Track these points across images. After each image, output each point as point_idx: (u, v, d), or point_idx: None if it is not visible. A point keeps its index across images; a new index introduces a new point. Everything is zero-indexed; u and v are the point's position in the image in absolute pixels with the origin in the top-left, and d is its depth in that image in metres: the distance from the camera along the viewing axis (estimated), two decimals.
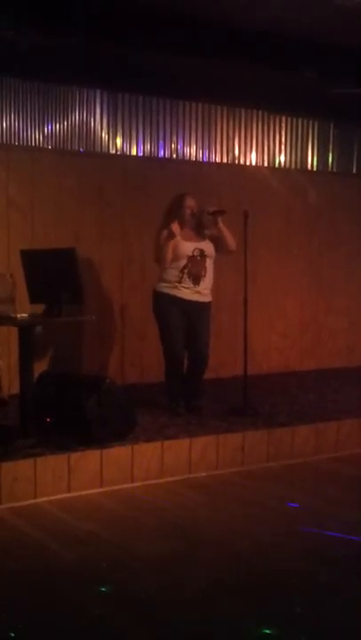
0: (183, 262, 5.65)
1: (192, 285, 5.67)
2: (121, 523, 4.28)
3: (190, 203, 5.72)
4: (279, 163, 8.09)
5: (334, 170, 8.43)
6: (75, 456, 4.71)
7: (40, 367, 6.04)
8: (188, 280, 5.67)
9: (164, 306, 5.72)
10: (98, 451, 4.79)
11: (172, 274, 5.68)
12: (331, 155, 8.42)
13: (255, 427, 5.50)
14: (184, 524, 4.22)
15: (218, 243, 5.76)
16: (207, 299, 5.78)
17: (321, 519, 4.31)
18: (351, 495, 4.73)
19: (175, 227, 5.60)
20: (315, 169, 8.31)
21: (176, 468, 5.03)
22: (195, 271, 5.67)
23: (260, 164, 7.97)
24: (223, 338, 7.21)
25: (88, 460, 4.75)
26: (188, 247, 5.66)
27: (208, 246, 5.72)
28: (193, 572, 3.61)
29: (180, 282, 5.67)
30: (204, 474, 5.10)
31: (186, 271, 5.66)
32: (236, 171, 7.69)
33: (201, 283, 5.68)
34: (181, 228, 5.68)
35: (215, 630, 3.07)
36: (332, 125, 8.35)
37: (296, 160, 8.21)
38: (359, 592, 3.43)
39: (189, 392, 5.87)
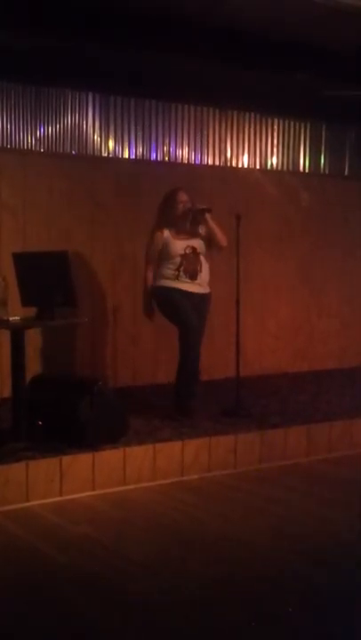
0: (178, 260, 5.69)
1: (190, 280, 5.72)
2: (114, 525, 4.28)
3: (183, 197, 5.76)
4: (271, 165, 8.09)
5: (326, 172, 8.44)
6: (67, 459, 4.71)
7: (32, 370, 6.04)
8: (184, 276, 5.70)
9: (168, 294, 5.72)
10: (90, 454, 4.79)
11: (169, 271, 5.71)
12: (323, 157, 8.42)
13: (247, 428, 5.50)
14: (177, 527, 4.23)
15: (209, 240, 5.81)
16: (207, 290, 5.83)
17: (314, 521, 4.32)
18: (344, 496, 4.74)
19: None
20: (307, 171, 8.32)
21: (168, 470, 5.04)
22: (190, 268, 5.71)
23: (252, 166, 7.97)
24: (215, 339, 7.21)
25: (80, 462, 4.75)
26: (180, 245, 5.69)
27: (199, 243, 5.75)
28: (186, 574, 3.62)
29: (177, 278, 5.71)
30: (196, 476, 5.10)
31: (182, 268, 5.69)
32: (228, 173, 7.70)
33: (198, 277, 5.73)
34: (175, 223, 5.72)
35: (210, 632, 3.07)
36: (324, 127, 8.36)
37: (288, 162, 8.21)
38: (353, 593, 3.44)
39: (193, 391, 5.84)
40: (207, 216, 5.74)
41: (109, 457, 4.86)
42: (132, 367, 6.99)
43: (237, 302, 5.93)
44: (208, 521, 4.34)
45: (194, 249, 5.72)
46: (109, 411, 5.03)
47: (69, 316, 5.53)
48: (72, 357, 6.83)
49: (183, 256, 5.70)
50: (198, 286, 5.75)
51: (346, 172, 8.55)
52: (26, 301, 5.13)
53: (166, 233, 5.74)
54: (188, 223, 5.77)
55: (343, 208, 8.32)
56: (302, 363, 8.12)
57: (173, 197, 5.75)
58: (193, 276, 5.72)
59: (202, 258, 5.76)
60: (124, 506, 4.58)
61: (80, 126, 6.99)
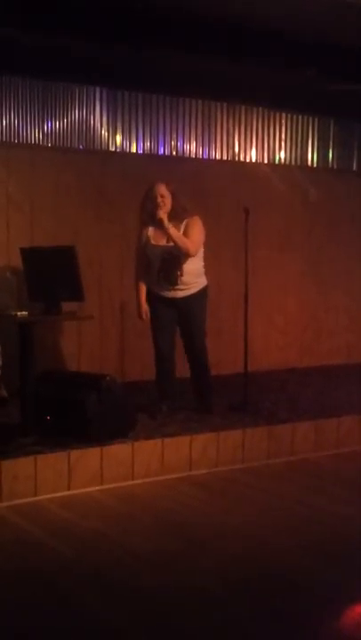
0: (157, 264, 5.50)
1: (170, 287, 5.52)
2: (121, 520, 4.28)
3: (157, 192, 5.38)
4: (279, 159, 8.08)
5: (334, 167, 8.42)
6: (75, 454, 4.72)
7: (40, 365, 6.05)
8: (164, 282, 5.52)
9: (150, 302, 5.65)
10: (98, 448, 4.79)
11: (151, 274, 5.56)
12: (331, 151, 8.40)
13: (255, 424, 5.50)
14: (184, 522, 4.23)
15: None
16: (189, 292, 5.54)
17: (321, 516, 4.31)
18: (352, 492, 4.73)
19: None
20: (315, 166, 8.30)
21: (176, 465, 5.04)
22: (169, 275, 5.49)
23: (260, 160, 7.96)
24: (223, 335, 7.22)
25: (88, 457, 4.76)
26: (158, 251, 5.48)
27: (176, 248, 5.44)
28: (193, 569, 3.62)
29: (159, 283, 5.55)
30: (204, 471, 5.10)
31: (161, 274, 5.51)
32: (236, 167, 7.69)
33: (178, 282, 5.49)
34: (153, 222, 5.46)
35: (216, 628, 3.07)
36: (332, 122, 8.34)
37: (296, 157, 8.19)
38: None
39: (196, 392, 5.81)
40: (165, 225, 5.33)
41: (117, 452, 4.86)
42: (140, 362, 6.98)
43: (245, 298, 5.91)
44: (216, 516, 4.34)
45: (171, 254, 5.44)
46: (117, 406, 5.04)
47: (77, 311, 5.54)
48: (80, 352, 6.84)
49: (162, 261, 5.48)
50: (179, 291, 5.52)
51: (354, 167, 8.53)
52: (34, 296, 5.14)
53: (148, 232, 5.52)
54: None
55: (351, 203, 8.29)
56: (310, 358, 8.10)
57: (148, 193, 5.44)
58: (173, 281, 5.49)
59: (183, 259, 5.43)
60: (132, 500, 4.59)
61: (88, 121, 6.99)
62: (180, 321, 5.63)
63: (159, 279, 5.55)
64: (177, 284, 5.51)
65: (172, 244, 5.42)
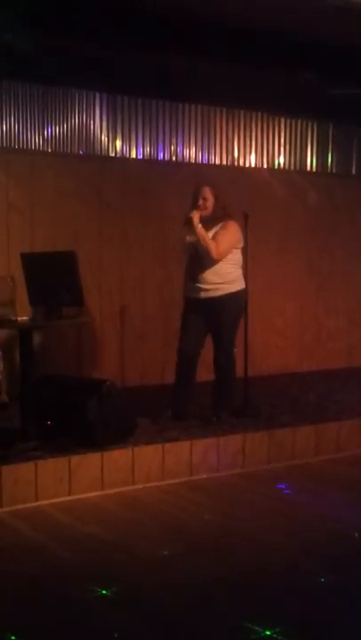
0: (187, 259, 5.58)
1: (191, 283, 5.54)
2: (122, 525, 4.28)
3: (203, 194, 5.43)
4: (278, 164, 8.09)
5: (334, 171, 8.44)
6: (75, 459, 4.71)
7: (41, 370, 6.05)
8: (189, 279, 5.57)
9: (183, 304, 5.67)
10: (98, 453, 4.79)
11: (184, 275, 5.62)
12: (330, 156, 8.42)
13: (256, 428, 5.50)
14: (185, 527, 4.23)
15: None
16: (214, 293, 5.47)
17: (322, 520, 4.31)
18: (352, 496, 4.73)
19: (195, 215, 5.38)
20: (314, 170, 8.32)
21: (177, 470, 5.04)
22: (190, 269, 5.54)
23: (259, 165, 7.97)
24: None
25: (89, 462, 4.76)
26: (187, 247, 5.55)
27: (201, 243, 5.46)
28: (194, 574, 3.62)
29: (186, 282, 5.61)
30: (205, 476, 5.10)
31: (188, 270, 5.58)
32: (235, 172, 7.70)
33: (200, 279, 5.47)
34: (202, 220, 5.43)
35: (216, 631, 3.07)
36: (331, 126, 8.36)
37: (295, 161, 8.21)
38: (360, 593, 3.43)
39: (217, 398, 5.70)
40: (195, 225, 5.37)
41: (118, 457, 4.86)
42: (141, 367, 6.99)
43: (245, 301, 5.91)
44: (216, 521, 4.33)
45: (195, 248, 5.48)
46: (118, 410, 5.04)
47: (77, 316, 5.54)
48: (80, 357, 6.84)
49: (190, 257, 5.56)
50: (202, 291, 5.48)
51: (353, 171, 8.55)
52: (34, 301, 5.14)
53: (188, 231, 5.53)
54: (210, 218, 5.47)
55: (351, 207, 8.30)
56: (310, 362, 8.11)
57: (195, 193, 5.48)
58: (193, 278, 5.51)
59: (205, 260, 5.44)
60: (133, 505, 4.58)
61: (87, 126, 7.01)
62: (207, 325, 5.58)
63: (185, 276, 5.60)
64: (197, 281, 5.48)
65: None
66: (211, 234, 5.46)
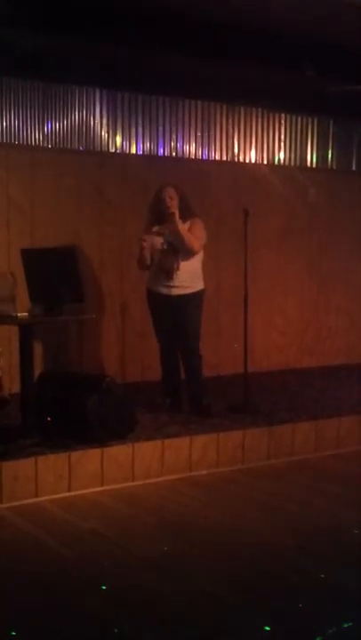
0: (156, 257, 5.59)
1: (165, 281, 5.58)
2: (122, 521, 4.29)
3: (166, 194, 5.51)
4: (279, 160, 8.09)
5: (334, 167, 8.44)
6: (75, 455, 4.72)
7: (41, 366, 6.06)
8: (161, 275, 5.59)
9: (149, 301, 5.76)
10: (98, 449, 4.80)
11: (152, 269, 5.66)
12: (330, 152, 8.42)
13: (256, 424, 5.51)
14: (185, 523, 4.23)
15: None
16: (185, 291, 5.57)
17: (322, 517, 4.32)
18: (352, 493, 4.74)
19: (144, 245, 5.53)
20: (314, 166, 8.31)
21: (177, 466, 5.05)
22: (165, 266, 5.55)
23: (259, 161, 7.97)
24: (223, 336, 7.23)
25: (89, 458, 4.76)
26: (158, 242, 5.57)
27: (177, 239, 5.51)
28: (194, 570, 3.62)
29: (156, 277, 5.64)
30: (204, 472, 5.11)
31: (159, 266, 5.58)
32: (235, 168, 7.70)
33: (174, 277, 5.53)
34: (163, 221, 5.55)
35: (216, 629, 3.08)
36: (331, 122, 8.35)
37: (295, 157, 8.21)
38: (360, 590, 3.44)
39: (191, 392, 5.83)
40: (175, 219, 5.44)
41: (118, 453, 4.87)
42: (141, 363, 6.99)
43: (245, 299, 5.92)
44: (216, 517, 4.34)
45: (171, 244, 5.52)
46: (118, 407, 5.04)
47: (77, 312, 5.54)
48: (80, 353, 6.84)
49: (161, 252, 5.56)
50: (175, 288, 5.55)
51: (353, 167, 8.55)
52: (34, 297, 5.14)
53: (151, 229, 5.62)
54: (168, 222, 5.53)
55: (351, 203, 8.29)
56: (310, 359, 8.11)
57: (158, 193, 5.56)
58: (168, 275, 5.54)
59: (181, 255, 5.50)
60: (133, 501, 4.59)
61: (88, 122, 7.00)
62: (174, 321, 5.66)
63: (156, 272, 5.61)
64: (172, 278, 5.54)
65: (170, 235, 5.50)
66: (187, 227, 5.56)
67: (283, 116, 8.05)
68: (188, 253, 5.53)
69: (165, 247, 5.55)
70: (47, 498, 4.56)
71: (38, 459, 4.61)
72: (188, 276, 5.58)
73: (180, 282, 5.56)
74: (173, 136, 7.42)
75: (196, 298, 5.66)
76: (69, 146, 6.97)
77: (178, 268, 5.53)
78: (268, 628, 3.06)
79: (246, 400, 5.90)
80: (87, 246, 6.64)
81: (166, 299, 5.61)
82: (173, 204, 5.51)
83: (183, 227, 5.49)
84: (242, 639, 3.01)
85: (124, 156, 7.14)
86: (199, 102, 7.53)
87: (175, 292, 5.58)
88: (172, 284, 5.57)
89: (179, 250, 5.52)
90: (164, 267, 5.56)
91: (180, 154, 7.50)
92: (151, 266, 5.65)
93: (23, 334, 5.02)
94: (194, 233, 5.53)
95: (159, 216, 5.59)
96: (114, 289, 6.96)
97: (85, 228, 6.76)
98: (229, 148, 7.78)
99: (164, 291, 5.61)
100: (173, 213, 5.46)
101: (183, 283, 5.57)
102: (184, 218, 5.53)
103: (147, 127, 7.26)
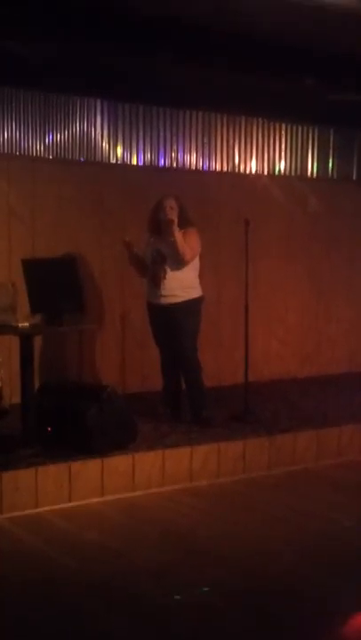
0: (150, 267, 5.66)
1: (155, 290, 5.63)
2: (122, 532, 4.29)
3: (167, 204, 5.59)
4: (279, 170, 8.10)
5: (334, 176, 8.44)
6: (76, 465, 4.72)
7: (41, 376, 6.06)
8: (151, 285, 5.65)
9: (147, 312, 5.83)
10: (99, 460, 4.80)
11: (147, 280, 5.75)
12: (331, 161, 8.43)
13: (256, 434, 5.50)
14: (185, 533, 4.23)
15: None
16: (175, 300, 5.58)
17: (322, 526, 4.31)
18: (353, 501, 4.73)
19: (127, 241, 5.62)
20: (315, 176, 8.32)
21: (177, 476, 5.04)
22: (153, 275, 5.61)
23: (260, 171, 7.98)
24: (224, 345, 7.23)
25: (89, 469, 4.76)
26: (149, 251, 5.65)
27: (166, 248, 5.56)
28: (194, 580, 3.62)
29: (149, 288, 5.72)
30: (205, 482, 5.11)
31: (150, 276, 5.66)
32: (236, 179, 7.71)
33: (162, 286, 5.58)
34: (162, 231, 5.60)
35: (216, 637, 3.07)
36: (332, 132, 8.36)
37: (296, 167, 8.22)
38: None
39: (190, 402, 5.82)
40: (173, 228, 5.47)
41: (118, 463, 4.87)
42: (141, 373, 6.99)
43: (246, 308, 5.93)
44: (217, 527, 4.34)
45: (159, 251, 5.58)
46: (118, 417, 5.04)
47: (78, 322, 5.55)
48: (81, 363, 6.84)
49: (152, 262, 5.62)
50: (163, 297, 5.59)
51: (354, 177, 8.55)
52: (35, 308, 5.15)
53: (150, 240, 5.70)
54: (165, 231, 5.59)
55: (351, 213, 8.30)
56: (311, 367, 8.10)
57: (159, 204, 5.64)
58: (156, 284, 5.60)
59: (168, 264, 5.55)
60: (133, 512, 4.59)
61: (88, 133, 7.02)
62: (169, 331, 5.68)
63: (149, 282, 5.68)
64: (160, 287, 5.58)
65: (162, 244, 5.56)
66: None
67: (283, 126, 8.07)
68: (180, 263, 5.56)
69: (155, 255, 5.60)
70: (47, 508, 4.56)
71: (39, 469, 4.61)
72: (178, 285, 5.59)
73: (168, 291, 5.59)
74: (174, 147, 7.44)
75: (189, 306, 5.64)
76: (70, 156, 6.98)
77: (164, 277, 5.57)
78: (266, 636, 3.05)
79: (247, 409, 5.90)
80: (88, 256, 6.65)
81: (158, 308, 5.66)
82: (173, 214, 5.56)
83: (180, 235, 5.52)
84: None
85: (124, 167, 7.16)
86: (200, 113, 7.54)
87: (165, 301, 5.62)
88: (161, 293, 5.61)
89: (166, 258, 5.56)
90: (152, 276, 5.63)
91: (180, 164, 7.52)
92: (146, 273, 5.71)
93: (24, 344, 5.03)
94: (187, 242, 5.57)
95: (158, 225, 5.63)
96: (114, 299, 6.97)
97: (86, 238, 6.77)
98: (230, 158, 7.80)
99: (155, 301, 5.67)
100: (172, 220, 5.50)
101: (172, 292, 5.59)
102: (180, 227, 5.57)
103: (147, 138, 7.27)
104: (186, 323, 5.63)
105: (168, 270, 5.57)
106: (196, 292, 5.70)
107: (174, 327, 5.63)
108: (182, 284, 5.61)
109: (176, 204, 5.62)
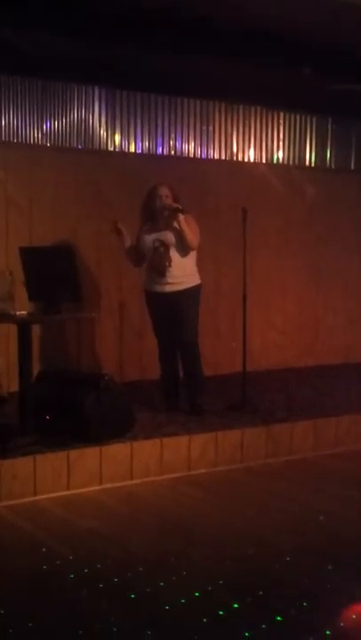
0: (149, 256, 5.62)
1: (159, 278, 5.60)
2: (120, 520, 4.29)
3: (161, 192, 5.57)
4: (277, 159, 8.08)
5: (332, 166, 8.42)
6: (74, 453, 4.72)
7: (39, 365, 6.05)
8: (155, 274, 5.62)
9: (146, 301, 5.79)
10: (97, 448, 4.80)
11: (146, 269, 5.71)
12: (329, 151, 8.40)
13: (254, 423, 5.51)
14: (183, 522, 4.23)
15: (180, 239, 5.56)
16: (179, 287, 5.58)
17: (320, 516, 4.32)
18: (350, 492, 4.74)
19: (116, 225, 5.63)
20: (313, 165, 8.30)
21: (175, 465, 5.05)
22: (157, 264, 5.57)
23: (258, 160, 7.96)
24: (222, 335, 7.23)
25: (87, 457, 4.76)
26: (149, 240, 5.60)
27: (169, 235, 5.54)
28: (192, 569, 3.62)
29: (150, 276, 5.68)
30: (203, 471, 5.11)
31: (152, 265, 5.62)
32: (234, 167, 7.69)
33: (167, 274, 5.56)
34: (156, 219, 5.60)
35: (214, 628, 3.08)
36: (330, 121, 8.34)
37: (294, 156, 8.19)
38: (360, 589, 3.44)
39: (187, 390, 5.83)
40: (180, 216, 5.48)
41: (116, 451, 4.87)
42: (139, 362, 6.99)
43: (244, 298, 5.92)
44: (214, 516, 4.34)
45: (162, 242, 5.55)
46: (116, 405, 5.04)
47: (76, 311, 5.54)
48: (79, 352, 6.84)
49: (153, 250, 5.59)
50: (169, 285, 5.58)
51: (352, 166, 8.53)
52: (33, 296, 5.14)
53: (145, 228, 5.67)
54: (164, 219, 5.57)
55: (349, 202, 8.29)
56: (308, 358, 8.11)
57: (152, 193, 5.61)
58: (161, 273, 5.57)
59: (172, 251, 5.54)
60: (131, 500, 4.59)
61: (86, 121, 6.98)
62: (172, 318, 5.65)
63: (150, 271, 5.64)
64: (165, 275, 5.56)
65: (163, 232, 5.54)
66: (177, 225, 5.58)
67: (282, 114, 8.04)
68: (187, 249, 5.56)
69: (157, 245, 5.56)
70: (45, 496, 4.56)
71: (36, 457, 4.61)
72: (181, 272, 5.59)
73: (173, 278, 5.57)
74: (172, 135, 7.41)
75: (192, 293, 5.65)
76: (68, 144, 6.95)
77: (170, 265, 5.55)
78: (264, 626, 3.05)
79: (245, 399, 5.90)
80: (85, 245, 6.63)
81: (161, 296, 5.62)
82: (169, 202, 5.54)
83: (184, 222, 5.50)
84: (241, 638, 3.01)
85: (122, 155, 7.13)
86: (198, 101, 7.51)
87: (169, 288, 5.59)
88: (165, 280, 5.58)
89: (169, 246, 5.54)
90: (156, 265, 5.58)
91: (178, 152, 7.49)
92: (143, 262, 5.70)
93: (21, 333, 5.01)
94: (190, 229, 5.56)
95: (151, 213, 5.61)
96: (112, 288, 6.95)
97: (84, 226, 6.75)
98: (228, 146, 7.77)
99: (158, 289, 5.63)
100: (179, 209, 5.48)
101: (177, 279, 5.58)
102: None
103: (145, 126, 7.24)
104: (189, 309, 5.63)
105: (174, 257, 5.55)
106: (196, 279, 5.71)
107: (178, 314, 5.60)
108: (185, 272, 5.61)
109: (169, 192, 5.59)
